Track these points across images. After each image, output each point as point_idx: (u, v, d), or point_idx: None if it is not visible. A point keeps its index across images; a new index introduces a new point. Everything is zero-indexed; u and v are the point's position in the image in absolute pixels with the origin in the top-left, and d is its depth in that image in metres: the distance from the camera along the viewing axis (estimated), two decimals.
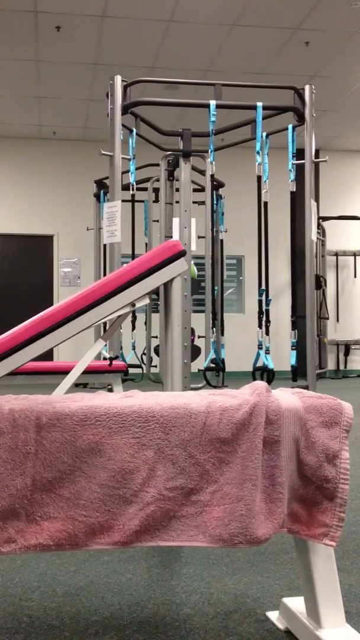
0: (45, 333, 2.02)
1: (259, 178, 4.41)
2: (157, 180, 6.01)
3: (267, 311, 4.58)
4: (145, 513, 1.14)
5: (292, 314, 4.62)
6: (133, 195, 4.76)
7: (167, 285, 2.19)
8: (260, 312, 4.58)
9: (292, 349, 4.52)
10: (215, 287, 6.24)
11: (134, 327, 6.37)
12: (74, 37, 6.10)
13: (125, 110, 4.24)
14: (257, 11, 5.67)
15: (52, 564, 1.97)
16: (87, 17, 5.73)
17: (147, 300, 2.14)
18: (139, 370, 6.46)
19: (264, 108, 4.21)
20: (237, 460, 1.19)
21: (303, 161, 4.31)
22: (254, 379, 4.25)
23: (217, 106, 4.10)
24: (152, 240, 6.77)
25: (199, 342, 6.55)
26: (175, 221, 5.45)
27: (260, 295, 4.61)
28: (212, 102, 4.09)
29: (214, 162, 4.51)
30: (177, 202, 5.24)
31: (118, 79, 4.22)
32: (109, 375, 3.27)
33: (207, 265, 5.80)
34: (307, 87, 4.30)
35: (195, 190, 5.75)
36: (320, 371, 9.11)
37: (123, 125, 4.29)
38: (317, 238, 8.49)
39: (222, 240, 6.76)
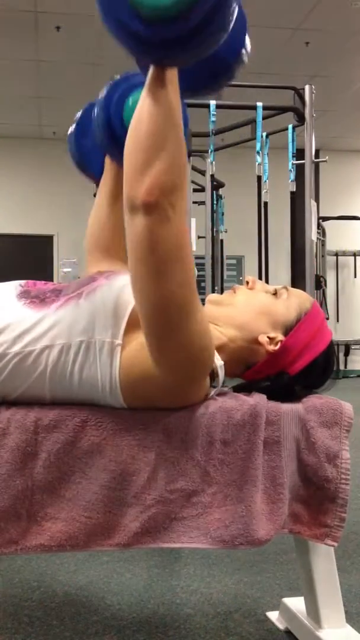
0: None
1: (259, 178, 4.40)
2: None
3: None
4: (147, 515, 1.14)
5: None
6: None
7: None
8: None
9: None
10: (215, 287, 6.23)
11: None
12: (74, 37, 6.09)
13: None
14: (257, 11, 5.66)
15: (52, 564, 1.97)
16: (87, 17, 5.72)
17: None
18: None
19: (264, 108, 4.20)
20: (238, 462, 1.18)
21: (303, 161, 4.30)
22: None
23: (217, 106, 4.10)
24: None
25: None
26: None
27: None
28: (212, 102, 4.09)
29: (214, 162, 4.50)
30: None
31: None
32: None
33: (207, 265, 5.80)
34: (307, 87, 4.29)
35: (195, 190, 5.74)
36: None
37: None
38: (317, 238, 8.48)
39: (222, 240, 6.75)
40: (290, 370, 1.29)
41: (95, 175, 1.56)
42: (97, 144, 1.41)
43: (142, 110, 0.99)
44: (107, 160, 1.48)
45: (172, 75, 0.99)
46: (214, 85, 1.14)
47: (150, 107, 0.98)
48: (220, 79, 1.12)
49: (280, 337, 1.29)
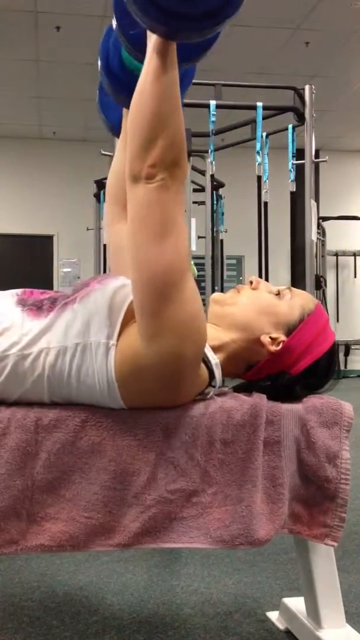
0: None
1: (259, 178, 4.40)
2: None
3: None
4: (147, 515, 1.14)
5: None
6: None
7: None
8: None
9: None
10: (215, 287, 6.23)
11: None
12: (74, 37, 6.09)
13: None
14: (257, 11, 5.66)
15: (52, 564, 1.97)
16: (87, 17, 5.73)
17: None
18: None
19: (264, 108, 4.20)
20: (238, 462, 1.18)
21: (303, 161, 4.30)
22: None
23: (217, 106, 4.10)
24: None
25: None
26: None
27: None
28: (212, 102, 4.09)
29: (214, 162, 4.50)
30: None
31: None
32: None
33: (207, 265, 5.80)
34: (307, 87, 4.29)
35: (195, 190, 5.74)
36: None
37: None
38: (317, 238, 8.49)
39: (222, 240, 6.75)
40: (292, 371, 1.29)
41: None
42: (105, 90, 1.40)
43: (144, 87, 1.04)
44: (125, 111, 1.47)
45: (173, 50, 1.03)
46: (192, 60, 1.19)
47: (153, 84, 1.03)
48: (198, 55, 1.18)
49: (282, 337, 1.28)
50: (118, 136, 1.55)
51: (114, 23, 1.16)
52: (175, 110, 1.05)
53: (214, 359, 1.22)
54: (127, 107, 1.19)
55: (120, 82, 1.31)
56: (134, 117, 1.06)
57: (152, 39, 1.03)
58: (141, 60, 1.12)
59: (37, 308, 1.20)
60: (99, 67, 1.36)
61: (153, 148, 1.04)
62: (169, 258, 1.06)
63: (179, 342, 1.07)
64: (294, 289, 1.34)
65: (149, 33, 1.05)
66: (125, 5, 1.03)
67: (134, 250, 1.08)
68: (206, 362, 1.19)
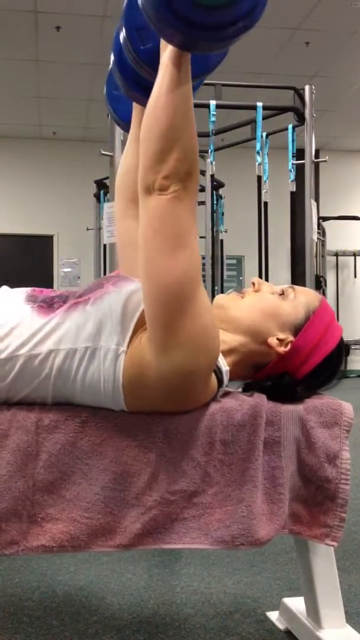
0: None
1: (259, 178, 4.40)
2: None
3: None
4: (148, 517, 1.14)
5: None
6: None
7: None
8: None
9: None
10: (216, 287, 6.23)
11: None
12: (74, 37, 6.09)
13: None
14: None
15: (52, 564, 1.97)
16: (87, 17, 5.73)
17: None
18: None
19: (264, 108, 4.20)
20: (238, 462, 1.18)
21: (303, 161, 4.30)
22: None
23: (217, 106, 4.10)
24: None
25: None
26: None
27: None
28: (212, 102, 4.09)
29: (214, 162, 4.50)
30: None
31: None
32: None
33: (207, 265, 5.80)
34: (307, 87, 4.29)
35: None
36: None
37: None
38: (317, 238, 8.48)
39: (222, 240, 6.75)
40: (302, 370, 1.29)
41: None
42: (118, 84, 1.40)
43: (159, 98, 1.04)
44: (135, 105, 1.46)
45: (188, 61, 1.03)
46: (206, 72, 1.20)
47: (168, 95, 1.03)
48: (211, 68, 1.18)
49: (290, 338, 1.28)
50: (125, 129, 1.54)
51: (122, 37, 1.15)
52: (189, 122, 1.05)
53: (225, 366, 1.22)
54: (138, 102, 1.18)
55: (132, 77, 1.30)
56: (148, 128, 1.06)
57: (167, 50, 1.02)
58: (148, 76, 1.12)
59: (48, 306, 1.19)
60: (111, 61, 1.35)
61: (167, 160, 1.03)
62: (182, 269, 1.05)
63: (192, 356, 1.06)
64: (297, 287, 1.34)
65: (162, 44, 1.04)
66: (136, 20, 1.01)
67: (146, 262, 1.07)
68: (216, 371, 1.18)
